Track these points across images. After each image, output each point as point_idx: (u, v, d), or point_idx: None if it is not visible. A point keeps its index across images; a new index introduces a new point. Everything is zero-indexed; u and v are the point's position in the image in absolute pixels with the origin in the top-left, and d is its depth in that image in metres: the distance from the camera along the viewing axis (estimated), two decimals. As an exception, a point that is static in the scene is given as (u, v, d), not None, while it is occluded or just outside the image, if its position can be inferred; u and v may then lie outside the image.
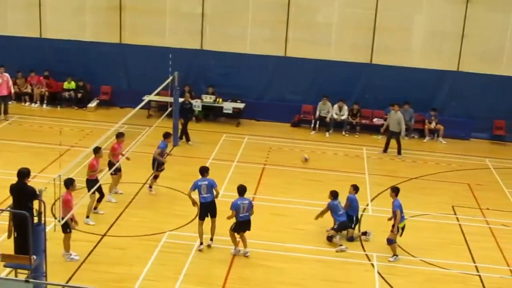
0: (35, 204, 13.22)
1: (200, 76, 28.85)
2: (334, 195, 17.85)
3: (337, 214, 17.63)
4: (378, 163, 24.14)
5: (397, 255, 16.71)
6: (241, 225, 16.46)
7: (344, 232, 17.78)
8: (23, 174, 13.69)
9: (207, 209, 16.79)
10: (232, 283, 15.36)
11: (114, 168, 18.64)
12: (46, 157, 21.89)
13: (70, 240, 15.59)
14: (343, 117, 27.20)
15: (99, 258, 16.10)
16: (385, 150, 25.02)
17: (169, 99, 24.93)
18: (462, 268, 16.75)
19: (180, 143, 24.50)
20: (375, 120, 27.59)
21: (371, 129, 27.54)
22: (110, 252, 16.38)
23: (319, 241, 17.63)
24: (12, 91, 27.67)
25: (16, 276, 13.31)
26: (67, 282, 14.68)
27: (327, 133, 27.12)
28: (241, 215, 16.34)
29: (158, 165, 19.74)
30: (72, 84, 28.89)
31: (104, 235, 17.23)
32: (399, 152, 24.79)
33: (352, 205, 17.95)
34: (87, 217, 17.83)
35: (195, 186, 16.74)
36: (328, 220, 17.75)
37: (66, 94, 28.89)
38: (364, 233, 18.00)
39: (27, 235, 12.63)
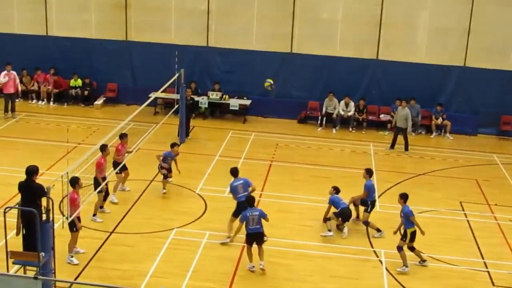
0: (43, 201, 13.24)
1: (206, 73, 28.83)
2: (336, 190, 18.14)
3: (339, 204, 17.81)
4: (385, 159, 24.10)
5: (407, 266, 16.04)
6: (253, 238, 15.70)
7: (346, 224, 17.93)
8: (31, 171, 13.70)
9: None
10: (240, 279, 15.37)
11: (119, 167, 18.61)
12: (53, 155, 21.93)
13: (76, 241, 15.57)
14: (349, 113, 27.16)
15: (107, 255, 16.13)
16: (392, 146, 24.98)
17: (176, 96, 24.95)
18: (470, 264, 16.72)
19: (186, 140, 24.49)
20: (381, 116, 27.54)
21: (377, 125, 27.51)
22: (118, 249, 16.41)
23: (326, 237, 17.60)
24: (19, 88, 27.72)
25: (24, 273, 13.34)
26: (75, 279, 14.72)
27: (333, 130, 27.09)
28: (250, 227, 15.65)
29: (161, 167, 19.69)
30: (79, 82, 28.92)
31: (112, 232, 17.25)
32: (406, 148, 24.74)
33: (370, 192, 18.15)
34: (94, 215, 17.86)
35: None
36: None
37: (73, 91, 28.92)
38: (379, 230, 17.96)
39: (35, 232, 12.65)
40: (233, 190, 17.20)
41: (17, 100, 27.51)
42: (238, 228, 16.31)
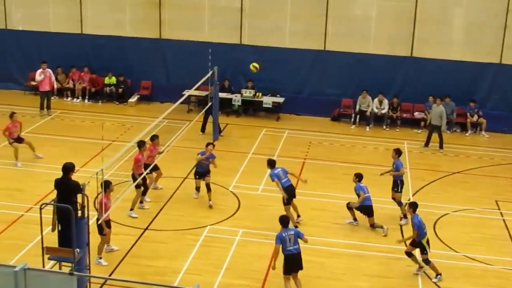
0: (79, 198, 13.36)
1: (239, 71, 28.85)
2: (359, 177, 18.12)
3: (364, 192, 17.90)
4: (420, 157, 23.91)
5: (440, 274, 15.62)
6: (291, 261, 14.31)
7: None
8: (68, 169, 13.83)
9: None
10: (273, 277, 15.33)
11: (149, 168, 18.72)
12: (88, 152, 22.12)
13: (104, 243, 15.68)
14: (383, 111, 26.99)
15: (140, 251, 16.24)
16: (426, 144, 24.77)
17: (205, 93, 25.02)
18: (505, 264, 16.54)
19: (219, 138, 24.55)
20: (416, 114, 27.32)
21: (412, 123, 27.29)
22: (152, 246, 16.50)
23: (360, 235, 17.55)
24: (55, 86, 28.01)
25: (60, 268, 13.46)
26: (109, 275, 14.83)
27: (367, 127, 26.95)
28: (288, 248, 14.23)
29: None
30: (113, 79, 29.13)
31: (146, 229, 17.37)
32: (441, 146, 24.52)
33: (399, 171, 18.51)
34: (131, 209, 18.04)
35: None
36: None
37: (107, 89, 29.15)
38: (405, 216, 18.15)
39: (70, 229, 12.77)
40: (276, 176, 17.45)
41: (52, 98, 27.78)
42: (274, 252, 14.61)
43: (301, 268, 14.46)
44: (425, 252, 15.62)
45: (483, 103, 27.07)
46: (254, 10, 28.38)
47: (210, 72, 23.85)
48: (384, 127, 27.07)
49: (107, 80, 29.19)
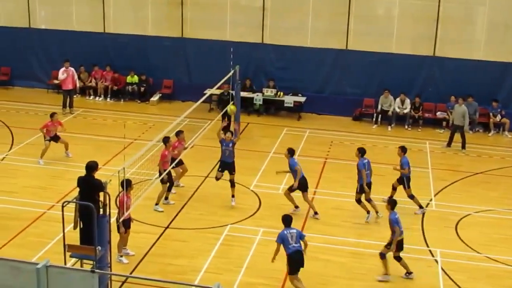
0: (100, 196, 13.45)
1: (261, 70, 28.87)
2: (362, 152, 18.40)
3: (359, 170, 18.22)
4: (442, 158, 23.79)
5: (388, 275, 15.43)
6: (295, 259, 14.29)
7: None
8: (92, 167, 13.92)
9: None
10: (293, 276, 15.35)
11: (175, 162, 18.83)
12: (110, 150, 22.24)
13: (124, 242, 15.72)
14: (405, 111, 26.87)
15: (161, 250, 16.31)
16: (449, 144, 24.64)
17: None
18: (528, 265, 16.42)
19: (240, 136, 24.57)
20: (438, 113, 27.17)
21: (434, 123, 27.14)
22: (173, 244, 16.56)
23: (379, 235, 17.46)
24: (78, 85, 28.19)
25: (81, 266, 13.56)
26: (130, 273, 14.91)
27: (389, 127, 26.85)
28: (290, 246, 14.22)
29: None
30: (135, 78, 29.26)
31: (167, 227, 17.43)
32: (463, 146, 24.36)
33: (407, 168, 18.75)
34: (157, 204, 18.26)
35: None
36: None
37: (129, 88, 29.28)
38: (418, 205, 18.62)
39: (92, 227, 12.84)
40: (298, 164, 17.54)
41: (75, 96, 27.97)
42: (276, 250, 14.52)
43: (303, 265, 14.42)
44: (388, 247, 15.44)
45: (506, 103, 26.87)
46: (276, 9, 28.38)
47: (232, 71, 23.88)
48: (406, 127, 26.95)
49: (129, 79, 29.32)
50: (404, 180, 18.85)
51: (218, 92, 26.35)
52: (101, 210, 13.30)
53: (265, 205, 19.07)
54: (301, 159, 21.25)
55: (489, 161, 23.70)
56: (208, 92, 24.13)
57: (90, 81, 29.56)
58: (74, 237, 13.71)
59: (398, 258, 15.47)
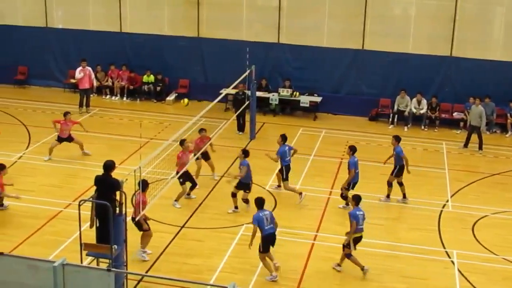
0: (117, 195, 13.49)
1: (277, 70, 28.85)
2: (353, 150, 18.75)
3: (349, 169, 18.54)
4: (458, 158, 23.66)
5: (363, 267, 15.41)
6: (269, 240, 15.09)
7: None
8: (109, 166, 13.96)
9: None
10: (309, 276, 15.35)
11: (199, 153, 19.30)
12: (126, 149, 22.31)
13: (148, 237, 15.75)
14: (422, 111, 26.76)
15: (177, 249, 16.33)
16: (465, 145, 24.51)
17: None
18: (545, 267, 16.30)
19: (257, 137, 24.57)
20: (455, 114, 27.03)
21: (450, 124, 27.00)
22: (188, 243, 16.58)
23: (395, 236, 17.45)
24: (95, 84, 28.30)
25: (97, 265, 13.61)
26: (146, 272, 14.95)
27: (405, 128, 26.74)
28: (266, 228, 14.96)
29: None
30: (151, 78, 29.33)
31: (183, 226, 17.45)
32: (480, 147, 24.23)
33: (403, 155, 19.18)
34: (176, 200, 18.45)
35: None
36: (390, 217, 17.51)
37: (145, 87, 29.36)
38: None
39: (108, 225, 12.88)
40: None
41: (91, 96, 28.08)
42: (253, 233, 15.07)
43: (273, 244, 15.24)
44: (349, 247, 15.43)
45: (524, 104, 26.71)
46: (292, 9, 28.34)
47: (248, 71, 23.88)
48: (423, 127, 26.83)
49: (145, 78, 29.40)
50: (396, 169, 19.23)
51: (233, 92, 26.34)
52: (117, 209, 13.33)
53: (280, 205, 19.04)
54: (316, 159, 21.29)
55: (506, 162, 23.54)
56: (224, 92, 24.16)
57: (107, 81, 29.66)
58: (90, 235, 13.77)
59: (348, 256, 15.45)
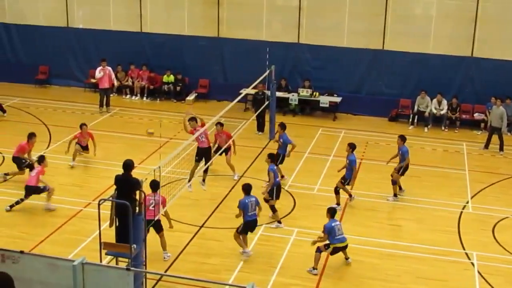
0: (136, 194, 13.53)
1: (296, 70, 28.83)
2: (353, 147, 18.89)
3: (351, 167, 18.68)
4: (479, 159, 23.51)
5: (316, 268, 15.38)
6: (250, 226, 15.91)
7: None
8: (129, 165, 13.96)
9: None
10: (327, 277, 15.31)
11: (221, 151, 19.96)
12: (146, 149, 22.39)
13: (164, 237, 15.79)
14: (442, 112, 26.61)
15: (196, 249, 16.36)
16: (486, 146, 24.36)
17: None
18: None
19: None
20: (475, 115, 26.86)
21: (471, 124, 26.83)
22: (207, 243, 16.60)
23: (415, 237, 17.36)
24: (115, 83, 28.42)
25: (117, 264, 13.66)
26: (165, 272, 14.98)
27: (425, 128, 26.61)
28: (249, 213, 15.76)
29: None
30: (171, 78, 29.41)
31: (202, 226, 17.48)
32: (501, 149, 24.07)
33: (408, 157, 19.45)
34: (189, 181, 18.79)
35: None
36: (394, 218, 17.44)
37: (165, 87, 29.45)
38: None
39: (128, 225, 12.91)
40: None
41: (111, 95, 28.21)
42: (238, 215, 15.98)
43: (253, 230, 16.16)
44: (327, 248, 15.43)
45: (546, 105, 26.47)
46: (312, 9, 28.30)
47: (268, 71, 23.88)
48: (443, 128, 26.69)
49: (165, 78, 29.49)
50: (401, 169, 19.41)
51: (253, 92, 26.35)
52: (137, 208, 13.37)
53: (299, 205, 19.03)
54: (336, 160, 21.26)
55: (528, 163, 23.40)
56: (244, 91, 24.16)
57: (127, 81, 29.77)
58: (110, 235, 13.82)
59: (319, 249, 15.44)
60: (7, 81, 30.49)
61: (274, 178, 17.61)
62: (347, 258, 15.89)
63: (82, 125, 21.72)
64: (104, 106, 27.28)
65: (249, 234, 16.81)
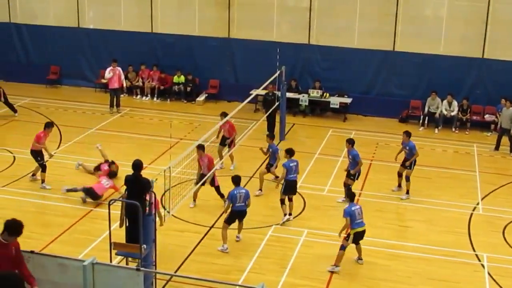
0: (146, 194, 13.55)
1: (307, 71, 28.81)
2: (352, 143, 18.92)
3: (355, 162, 18.73)
4: (489, 161, 23.43)
5: (338, 266, 15.48)
6: (236, 216, 16.36)
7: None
8: (139, 166, 13.99)
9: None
10: (337, 278, 15.29)
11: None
12: (156, 149, 22.42)
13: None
14: (453, 113, 26.53)
15: (206, 249, 16.36)
16: (497, 148, 24.28)
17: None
18: None
19: (286, 138, 24.55)
20: (486, 116, 26.76)
21: (482, 126, 26.73)
22: (217, 244, 16.56)
23: (425, 238, 17.31)
24: (124, 84, 28.46)
25: (127, 264, 13.69)
26: (175, 272, 15.00)
27: (436, 129, 26.54)
28: (237, 204, 16.17)
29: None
30: (181, 78, 29.44)
31: (212, 227, 17.48)
32: (511, 150, 23.97)
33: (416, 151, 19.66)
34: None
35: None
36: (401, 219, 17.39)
37: (176, 87, 29.48)
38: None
39: (138, 225, 12.93)
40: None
41: (122, 96, 28.26)
42: (226, 207, 16.42)
43: (240, 221, 16.53)
44: (347, 239, 15.49)
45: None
46: (323, 10, 28.28)
47: (278, 72, 23.88)
48: (453, 129, 26.61)
49: (175, 79, 29.52)
50: (412, 164, 19.59)
51: (263, 92, 26.34)
52: (147, 208, 13.39)
53: (309, 206, 19.01)
54: (346, 161, 21.14)
55: (539, 165, 23.31)
56: (254, 92, 24.18)
57: (137, 81, 29.82)
58: (120, 235, 13.85)
59: (342, 247, 15.48)
60: (18, 81, 30.57)
61: (285, 174, 17.81)
62: (360, 259, 15.90)
63: (97, 168, 20.57)
64: (114, 107, 27.32)
65: (259, 235, 16.89)
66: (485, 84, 27.04)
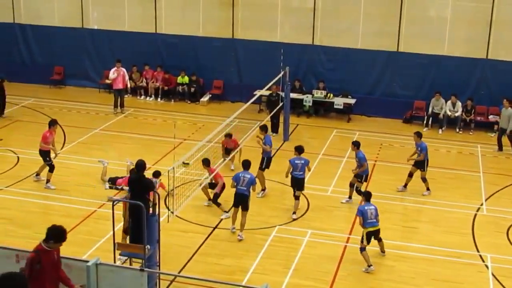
0: (150, 195, 13.57)
1: (311, 71, 28.80)
2: (357, 145, 19.08)
3: (361, 164, 18.84)
4: (493, 162, 23.40)
5: (370, 265, 15.58)
6: (238, 198, 16.82)
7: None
8: (142, 166, 14.01)
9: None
10: (341, 279, 15.29)
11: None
12: (160, 150, 22.43)
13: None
14: (457, 114, 26.49)
15: (209, 250, 16.36)
16: (500, 148, 24.25)
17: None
18: None
19: (290, 139, 24.55)
20: (490, 117, 26.72)
21: (486, 126, 26.69)
22: (221, 244, 16.61)
23: (429, 239, 17.30)
24: (128, 85, 28.46)
25: (130, 264, 13.70)
26: (178, 272, 15.01)
27: (440, 130, 26.51)
28: (238, 187, 16.80)
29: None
30: (185, 79, 29.44)
31: (215, 227, 17.49)
32: (514, 151, 24.01)
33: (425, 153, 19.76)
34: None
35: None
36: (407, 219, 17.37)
37: (180, 88, 29.49)
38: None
39: (142, 226, 12.94)
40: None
41: (126, 96, 28.27)
42: (229, 186, 17.29)
43: (245, 208, 16.82)
44: (362, 241, 15.67)
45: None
46: (327, 11, 28.25)
47: (282, 73, 23.88)
48: (457, 130, 26.57)
49: (179, 79, 29.52)
50: (424, 164, 19.77)
51: (267, 93, 26.34)
52: (151, 209, 13.41)
53: (313, 206, 19.00)
54: (350, 161, 21.19)
55: (542, 166, 23.27)
56: (258, 93, 24.17)
57: (141, 81, 29.83)
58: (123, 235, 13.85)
59: (361, 249, 15.59)
60: (22, 81, 30.58)
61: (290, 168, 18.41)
62: (382, 252, 16.18)
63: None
64: (118, 107, 27.33)
65: (262, 236, 16.91)
66: (489, 85, 27.00)
